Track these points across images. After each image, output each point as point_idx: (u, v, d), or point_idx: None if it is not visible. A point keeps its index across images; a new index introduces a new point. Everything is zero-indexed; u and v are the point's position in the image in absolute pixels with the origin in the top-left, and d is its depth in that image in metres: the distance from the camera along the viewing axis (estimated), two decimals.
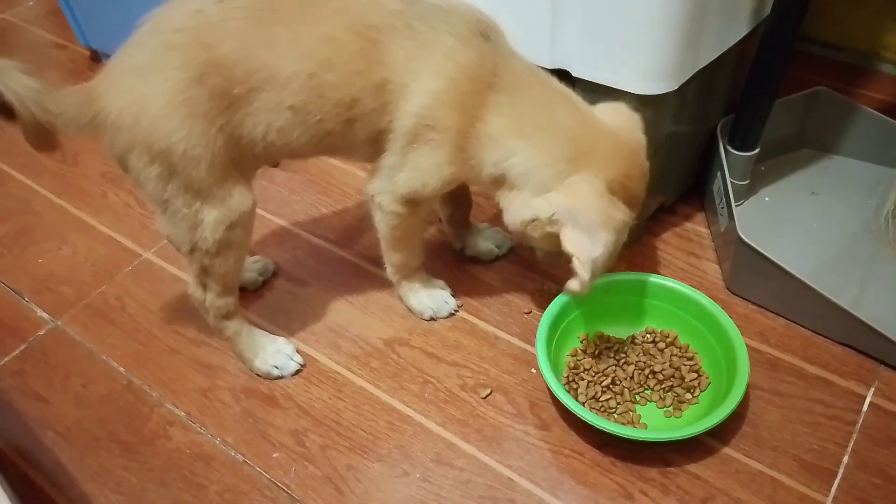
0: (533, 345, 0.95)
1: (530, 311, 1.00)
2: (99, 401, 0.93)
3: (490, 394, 0.90)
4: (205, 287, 0.87)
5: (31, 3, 1.78)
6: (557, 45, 0.90)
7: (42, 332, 1.02)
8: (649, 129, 0.92)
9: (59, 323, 1.03)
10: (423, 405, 0.90)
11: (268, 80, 0.74)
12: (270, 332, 0.97)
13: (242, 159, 0.79)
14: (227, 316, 0.90)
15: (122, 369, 0.96)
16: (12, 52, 1.64)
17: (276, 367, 0.93)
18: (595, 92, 0.90)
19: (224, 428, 0.89)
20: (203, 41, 0.73)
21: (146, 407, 0.92)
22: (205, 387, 0.94)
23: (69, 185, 1.26)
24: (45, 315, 1.05)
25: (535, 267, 1.05)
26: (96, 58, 1.56)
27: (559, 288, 0.95)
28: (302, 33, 0.75)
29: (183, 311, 1.02)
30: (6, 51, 1.64)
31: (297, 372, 0.94)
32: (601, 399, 0.86)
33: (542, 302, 0.99)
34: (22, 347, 1.01)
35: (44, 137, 0.73)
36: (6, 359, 0.99)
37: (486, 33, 0.79)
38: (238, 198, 0.80)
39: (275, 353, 0.94)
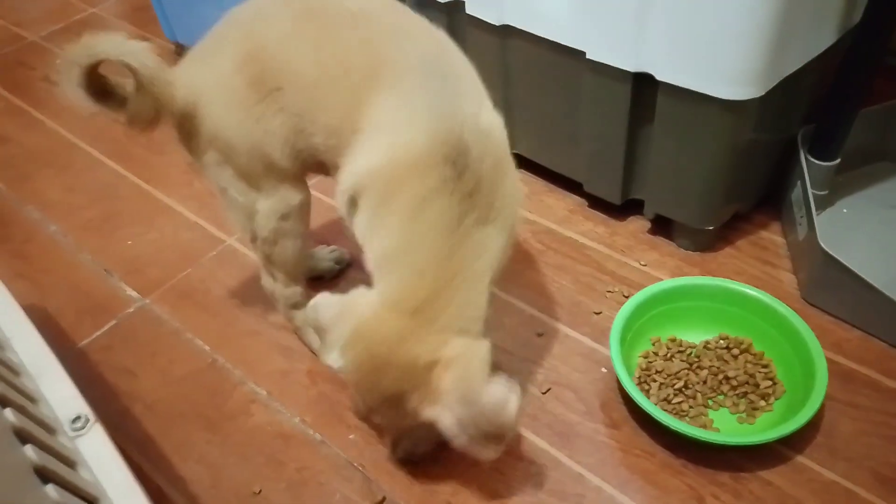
0: (603, 345, 0.96)
1: (601, 312, 1.01)
2: (184, 377, 0.98)
3: (549, 390, 0.92)
4: (273, 277, 0.91)
5: None
6: (641, 50, 0.92)
7: (131, 310, 1.08)
8: (730, 136, 0.93)
9: (146, 302, 1.09)
10: None
11: (290, 79, 0.75)
12: None
13: (279, 158, 0.79)
14: (296, 305, 0.94)
15: (206, 348, 1.01)
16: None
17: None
18: (678, 97, 0.91)
19: (302, 408, 0.93)
20: (251, 34, 0.77)
21: (229, 384, 0.96)
22: (284, 368, 0.97)
23: (156, 173, 1.32)
24: (133, 294, 1.10)
25: (605, 269, 1.06)
26: (181, 52, 1.62)
27: (630, 291, 0.96)
28: (325, 44, 0.74)
29: (264, 295, 1.06)
30: None
31: None
32: (673, 401, 0.87)
33: (613, 304, 1.00)
34: (112, 323, 1.06)
35: (147, 114, 0.77)
36: (97, 333, 1.05)
37: (455, 160, 0.67)
38: (284, 192, 0.82)
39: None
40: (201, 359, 1.00)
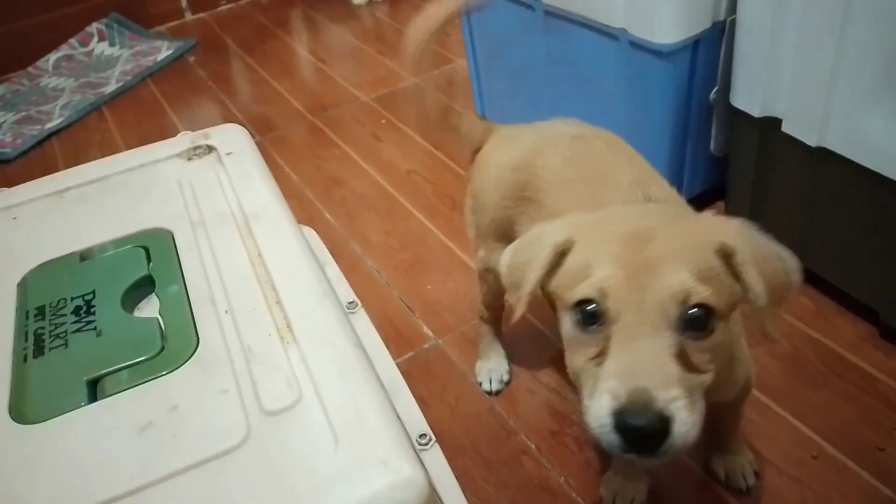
0: (884, 483, 0.93)
1: (884, 449, 0.97)
2: (468, 415, 1.12)
3: None
4: (481, 289, 1.09)
5: (437, 72, 2.17)
6: None
7: (426, 346, 1.26)
8: None
9: (440, 342, 1.26)
10: None
11: (537, 200, 0.88)
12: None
13: (507, 232, 0.96)
14: (482, 319, 1.14)
15: (487, 395, 1.15)
16: (414, 110, 2.02)
17: (478, 377, 1.16)
18: None
19: (568, 470, 1.02)
20: (534, 150, 0.92)
21: (504, 432, 1.09)
22: (554, 429, 1.08)
23: (456, 230, 1.52)
24: (429, 332, 1.29)
25: (895, 405, 1.02)
26: None
27: None
28: (577, 184, 0.85)
29: (542, 358, 1.18)
30: (410, 111, 2.03)
31: (497, 392, 1.14)
32: None
33: None
34: (410, 354, 1.25)
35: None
36: (398, 360, 1.24)
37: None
38: (496, 257, 0.92)
39: (489, 369, 1.15)
40: (483, 403, 1.14)
